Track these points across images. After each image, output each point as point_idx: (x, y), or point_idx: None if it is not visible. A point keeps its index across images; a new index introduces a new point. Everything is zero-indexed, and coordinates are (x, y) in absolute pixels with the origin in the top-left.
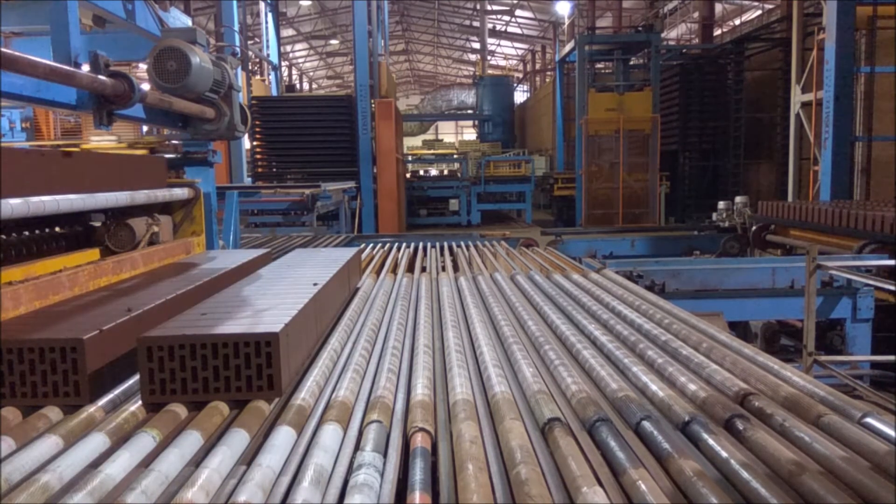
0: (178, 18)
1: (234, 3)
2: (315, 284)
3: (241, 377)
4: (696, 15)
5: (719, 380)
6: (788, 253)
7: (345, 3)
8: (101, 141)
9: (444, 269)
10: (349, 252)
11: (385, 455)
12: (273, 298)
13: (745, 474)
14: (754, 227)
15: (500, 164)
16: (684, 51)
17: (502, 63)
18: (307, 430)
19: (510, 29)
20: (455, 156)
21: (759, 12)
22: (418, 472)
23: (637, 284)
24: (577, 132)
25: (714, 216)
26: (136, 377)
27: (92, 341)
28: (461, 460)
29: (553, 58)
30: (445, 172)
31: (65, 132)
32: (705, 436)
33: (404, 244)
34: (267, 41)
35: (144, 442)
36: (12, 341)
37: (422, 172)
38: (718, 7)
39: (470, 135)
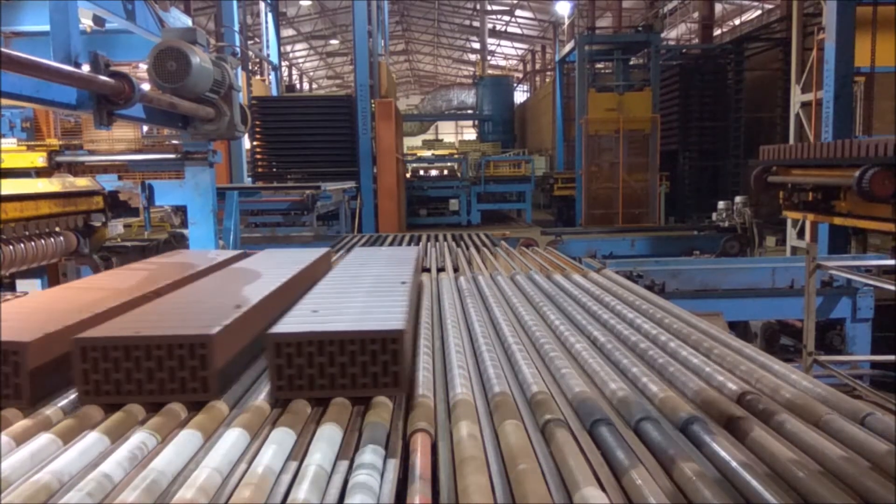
0: (178, 18)
1: (234, 3)
2: (403, 283)
3: (366, 374)
4: (695, 15)
5: (719, 380)
6: (790, 194)
7: (345, 3)
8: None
9: (443, 269)
10: (412, 251)
11: (385, 455)
12: (370, 296)
13: (745, 474)
14: (755, 171)
15: (500, 164)
16: (684, 51)
17: (502, 63)
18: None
19: (510, 29)
20: (455, 156)
21: (759, 12)
22: (418, 472)
23: (637, 284)
24: (577, 132)
25: (714, 216)
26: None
27: (218, 338)
28: (461, 460)
29: (553, 58)
30: (445, 172)
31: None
32: (705, 436)
33: (404, 244)
34: (267, 41)
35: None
36: (140, 338)
37: (422, 172)
38: (718, 7)
39: (470, 135)
